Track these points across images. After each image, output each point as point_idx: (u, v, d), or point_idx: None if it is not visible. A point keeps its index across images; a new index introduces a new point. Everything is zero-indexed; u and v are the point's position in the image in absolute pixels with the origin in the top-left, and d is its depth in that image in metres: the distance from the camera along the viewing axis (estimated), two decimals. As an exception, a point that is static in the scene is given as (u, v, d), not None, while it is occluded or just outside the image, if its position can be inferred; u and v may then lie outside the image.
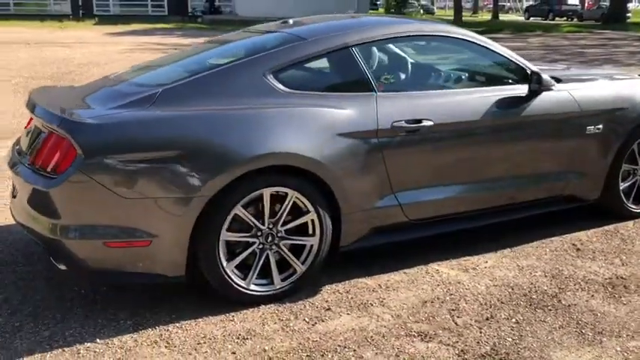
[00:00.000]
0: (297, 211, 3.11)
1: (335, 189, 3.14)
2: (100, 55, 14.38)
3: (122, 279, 2.93)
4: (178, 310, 3.02)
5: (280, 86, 3.14)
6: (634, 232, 4.06)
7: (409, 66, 3.85)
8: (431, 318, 2.99)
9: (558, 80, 3.92)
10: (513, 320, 2.97)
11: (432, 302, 3.14)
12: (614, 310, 3.09)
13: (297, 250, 3.17)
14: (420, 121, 3.33)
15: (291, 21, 3.86)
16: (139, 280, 2.95)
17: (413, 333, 2.85)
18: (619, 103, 4.03)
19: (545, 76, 3.63)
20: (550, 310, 3.07)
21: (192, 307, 3.04)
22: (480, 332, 2.87)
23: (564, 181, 3.92)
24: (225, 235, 2.94)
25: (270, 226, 3.06)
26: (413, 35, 3.66)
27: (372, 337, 2.82)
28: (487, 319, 2.98)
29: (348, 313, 3.03)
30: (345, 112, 3.18)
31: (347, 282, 3.34)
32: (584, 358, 2.67)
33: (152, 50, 15.45)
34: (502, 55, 3.76)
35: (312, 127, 3.10)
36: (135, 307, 3.03)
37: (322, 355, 2.67)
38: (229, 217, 2.92)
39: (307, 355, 2.67)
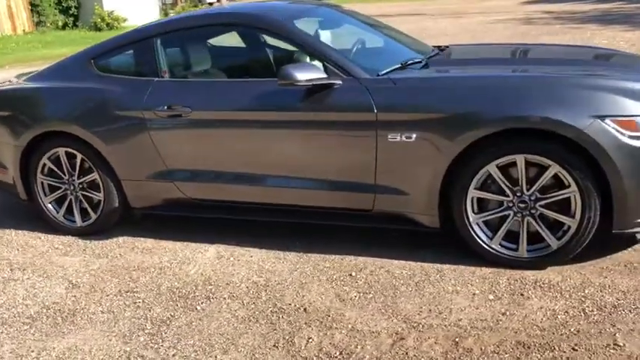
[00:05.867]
0: (89, 171, 3.96)
1: (108, 157, 3.83)
2: (466, 25, 14.96)
3: (6, 190, 4.39)
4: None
5: (97, 71, 3.96)
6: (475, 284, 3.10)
7: (201, 55, 3.88)
8: (114, 280, 3.46)
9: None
10: (130, 303, 3.18)
11: (133, 269, 3.54)
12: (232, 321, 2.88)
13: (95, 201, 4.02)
14: (180, 107, 3.59)
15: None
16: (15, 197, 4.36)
17: (102, 277, 3.47)
18: (448, 106, 3.05)
19: (287, 70, 3.17)
20: (175, 305, 3.10)
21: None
22: (88, 298, 3.25)
23: (369, 195, 3.32)
24: (40, 178, 4.08)
25: (73, 179, 4.02)
26: (215, 25, 3.76)
27: (71, 272, 3.56)
28: (120, 292, 3.27)
29: (92, 256, 3.77)
30: (124, 94, 3.78)
31: (148, 240, 3.93)
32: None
33: (520, 21, 15.11)
34: (303, 46, 3.46)
35: (95, 104, 3.84)
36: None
37: (30, 266, 3.67)
38: (40, 165, 4.04)
39: (12, 267, 3.68)
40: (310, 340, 2.69)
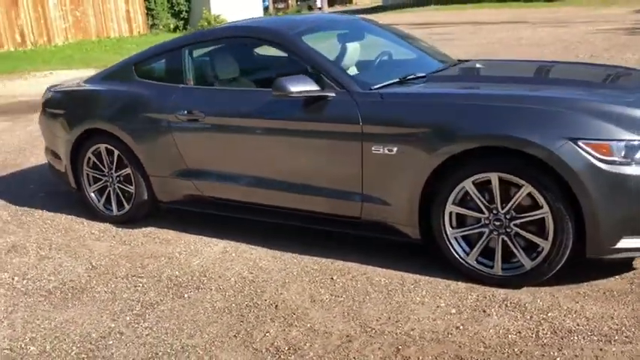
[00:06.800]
0: (124, 166, 4.41)
1: (138, 154, 4.24)
2: (565, 36, 14.35)
3: (61, 179, 4.95)
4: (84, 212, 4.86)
5: (136, 76, 4.40)
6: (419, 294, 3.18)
7: (219, 65, 4.12)
8: (127, 265, 3.86)
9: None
10: (131, 287, 3.53)
11: (147, 256, 3.91)
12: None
13: (129, 194, 4.46)
14: (197, 112, 3.93)
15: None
16: (67, 185, 4.91)
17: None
18: (427, 122, 3.14)
19: (281, 82, 3.37)
20: (167, 292, 3.41)
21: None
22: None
23: (357, 203, 3.46)
24: (86, 170, 4.59)
25: (111, 172, 4.49)
26: (231, 37, 4.04)
27: (95, 256, 4.00)
28: (127, 276, 3.64)
29: (118, 243, 4.20)
30: (154, 98, 4.17)
31: (170, 231, 4.31)
32: None
33: (624, 31, 14.28)
34: (303, 59, 3.65)
35: (130, 106, 4.27)
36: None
37: (65, 247, 4.13)
38: (86, 158, 4.55)
39: (51, 247, 4.19)
40: (267, 334, 2.90)
